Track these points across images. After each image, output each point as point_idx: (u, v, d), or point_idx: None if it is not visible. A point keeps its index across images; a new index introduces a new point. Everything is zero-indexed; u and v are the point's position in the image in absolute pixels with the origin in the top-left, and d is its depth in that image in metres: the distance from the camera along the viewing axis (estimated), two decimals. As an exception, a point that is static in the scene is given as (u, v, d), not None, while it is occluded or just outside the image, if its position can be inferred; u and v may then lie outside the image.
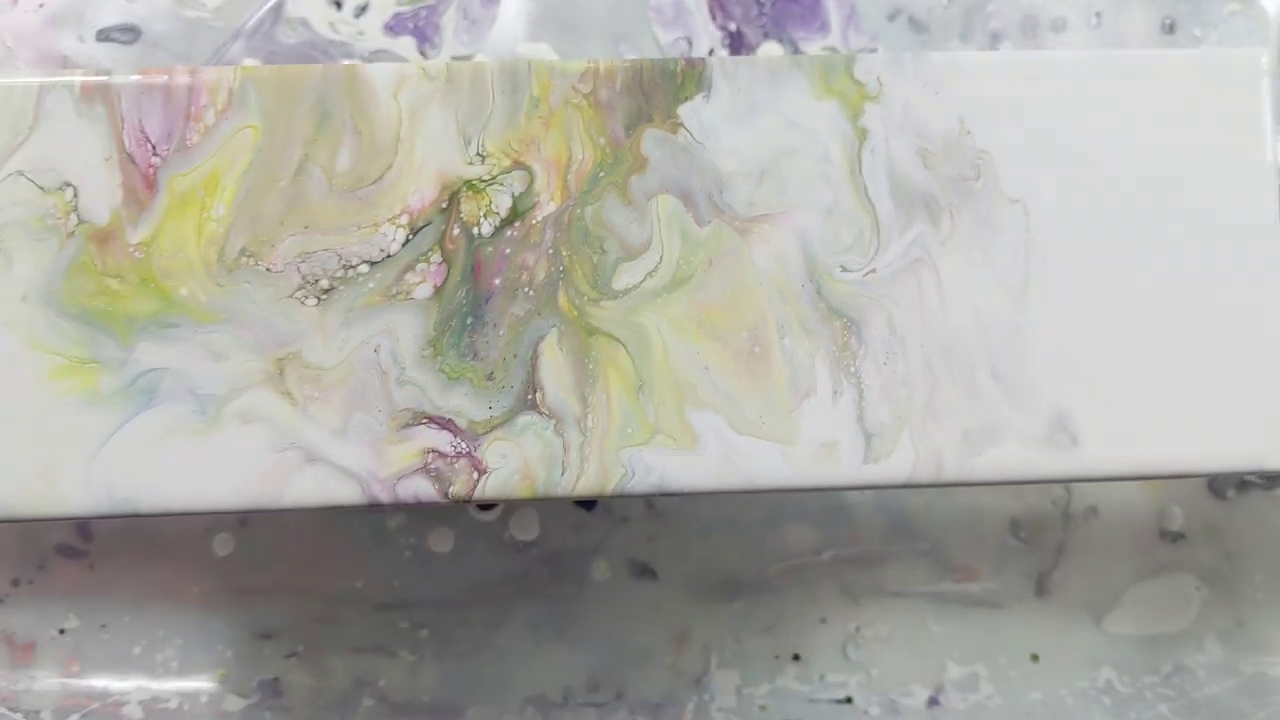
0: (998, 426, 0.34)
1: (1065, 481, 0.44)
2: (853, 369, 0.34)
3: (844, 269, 0.34)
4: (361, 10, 0.48)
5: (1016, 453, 0.34)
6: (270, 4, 0.47)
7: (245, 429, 0.33)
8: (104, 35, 0.48)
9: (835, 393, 0.34)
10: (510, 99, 0.35)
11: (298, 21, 0.47)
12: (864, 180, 0.35)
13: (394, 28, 0.48)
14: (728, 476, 0.33)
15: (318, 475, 0.33)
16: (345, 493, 0.33)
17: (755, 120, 0.35)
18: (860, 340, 0.34)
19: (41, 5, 0.47)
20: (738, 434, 0.34)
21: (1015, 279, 0.34)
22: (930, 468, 0.34)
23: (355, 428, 0.33)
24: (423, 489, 0.33)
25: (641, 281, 0.34)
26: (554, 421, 0.34)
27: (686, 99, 0.35)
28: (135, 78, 0.34)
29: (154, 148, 0.34)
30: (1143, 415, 0.34)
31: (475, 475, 0.33)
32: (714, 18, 0.48)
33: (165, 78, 0.34)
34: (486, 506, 0.49)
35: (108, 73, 0.34)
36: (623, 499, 0.39)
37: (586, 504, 0.48)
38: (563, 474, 0.33)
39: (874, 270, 0.34)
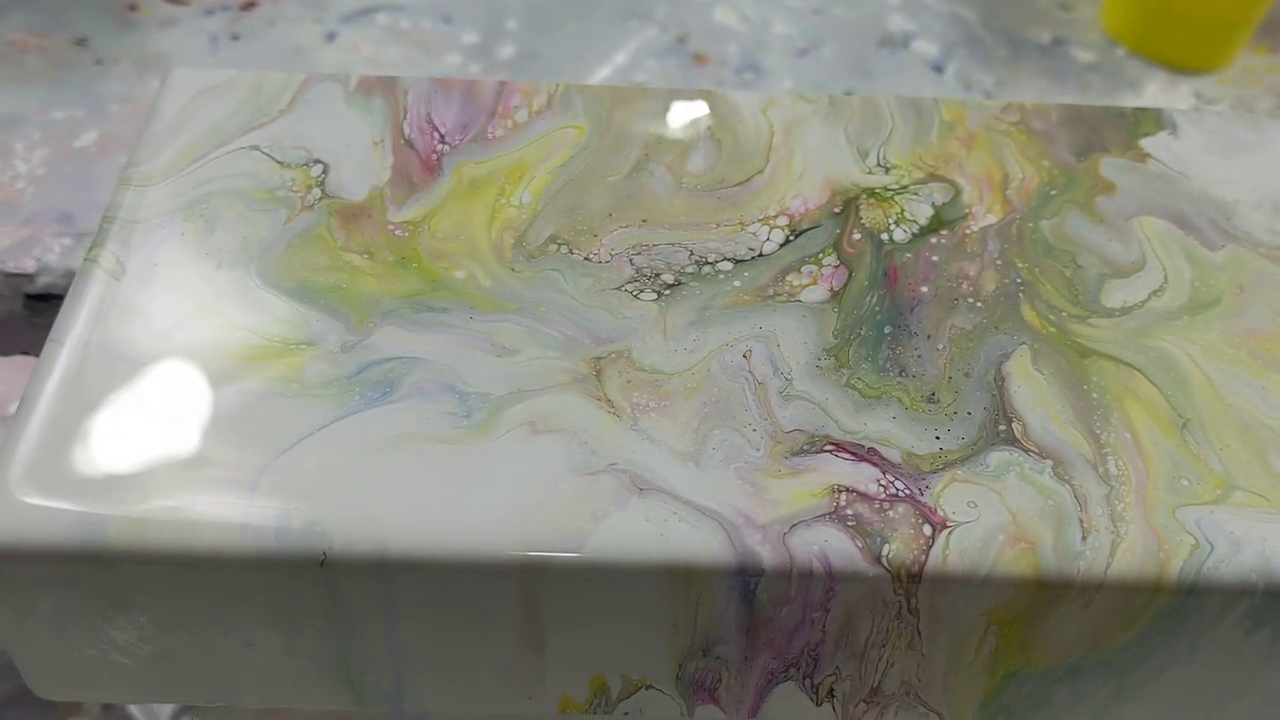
0: None
1: None
2: None
3: None
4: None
5: None
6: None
7: (535, 441, 0.20)
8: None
9: None
10: (915, 122, 0.26)
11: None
12: None
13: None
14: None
15: (653, 512, 0.19)
16: (700, 542, 0.18)
17: (1246, 156, 0.26)
18: None
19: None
20: (1382, 500, 0.19)
21: None
22: None
23: (716, 449, 0.20)
24: (835, 546, 0.18)
25: (1145, 300, 0.23)
26: (1051, 463, 0.20)
27: (1147, 135, 0.26)
28: (427, 77, 0.26)
29: (442, 136, 0.25)
30: None
31: (928, 531, 0.19)
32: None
33: (466, 83, 0.26)
34: None
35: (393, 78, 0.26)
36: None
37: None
38: (1084, 539, 0.19)
39: None
